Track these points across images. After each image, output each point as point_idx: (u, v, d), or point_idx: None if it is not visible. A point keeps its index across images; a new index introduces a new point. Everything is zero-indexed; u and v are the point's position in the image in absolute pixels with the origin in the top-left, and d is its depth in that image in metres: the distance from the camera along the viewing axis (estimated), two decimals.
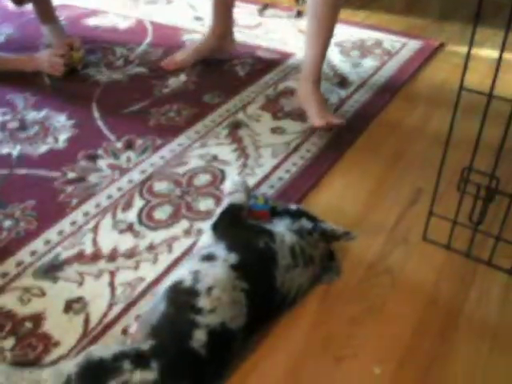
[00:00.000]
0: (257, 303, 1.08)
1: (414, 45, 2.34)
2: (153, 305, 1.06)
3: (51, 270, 1.24)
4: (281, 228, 1.22)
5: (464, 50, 2.28)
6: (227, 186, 1.36)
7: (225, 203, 1.28)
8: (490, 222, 1.31)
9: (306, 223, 1.25)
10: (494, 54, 2.10)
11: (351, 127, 1.74)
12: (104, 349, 0.99)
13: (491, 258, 1.30)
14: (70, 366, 0.96)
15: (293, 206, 1.33)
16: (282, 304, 1.15)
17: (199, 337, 0.98)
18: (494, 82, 1.13)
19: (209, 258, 1.11)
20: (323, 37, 1.72)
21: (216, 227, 1.21)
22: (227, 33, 2.08)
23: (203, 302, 1.02)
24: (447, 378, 1.08)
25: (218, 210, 1.28)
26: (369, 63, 2.17)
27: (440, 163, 1.26)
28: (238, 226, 1.22)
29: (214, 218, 1.25)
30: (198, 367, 0.98)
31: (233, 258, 1.10)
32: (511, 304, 1.23)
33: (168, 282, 1.09)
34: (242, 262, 1.10)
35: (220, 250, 1.12)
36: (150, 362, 0.94)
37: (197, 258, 1.12)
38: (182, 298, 1.03)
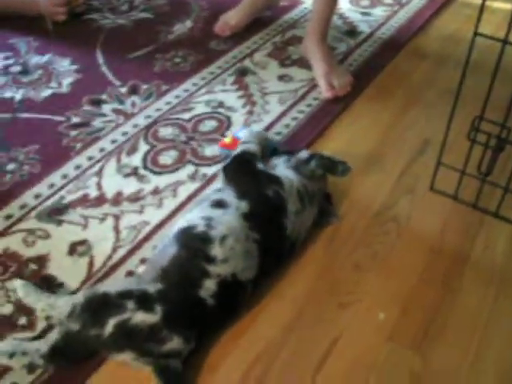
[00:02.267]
0: (268, 255, 1.07)
1: None
2: (163, 247, 1.05)
3: (55, 213, 1.24)
4: (282, 170, 1.21)
5: (476, 1, 2.23)
6: (243, 135, 1.33)
7: (238, 149, 1.25)
8: (498, 173, 1.29)
9: (303, 154, 1.25)
10: (507, 6, 2.06)
11: (359, 77, 1.70)
12: (111, 285, 1.01)
13: (498, 209, 1.29)
14: (79, 296, 0.96)
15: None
16: (291, 251, 1.15)
17: (209, 286, 0.98)
18: (508, 29, 1.10)
19: (220, 204, 1.09)
20: None
21: (227, 170, 1.19)
22: None
23: (216, 251, 1.00)
24: (451, 325, 1.08)
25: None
26: (379, 13, 2.12)
27: (450, 111, 1.23)
28: (247, 172, 1.19)
29: (227, 161, 1.23)
30: (203, 317, 0.98)
31: (244, 206, 1.09)
32: None
33: (179, 224, 1.07)
34: (254, 211, 1.09)
35: (231, 197, 1.10)
36: (154, 305, 0.94)
37: (207, 202, 1.10)
38: (194, 244, 1.02)
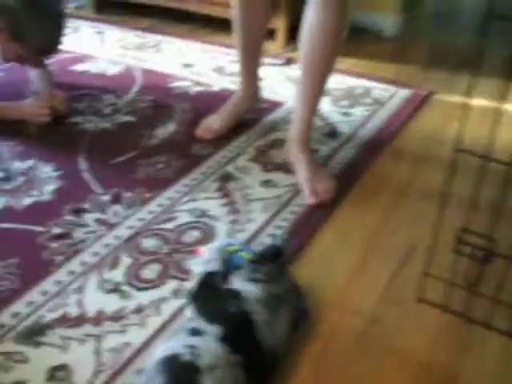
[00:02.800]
0: (253, 373, 1.04)
1: (402, 93, 2.34)
2: (146, 379, 1.00)
3: (34, 334, 1.19)
4: (239, 284, 1.18)
5: (453, 98, 2.30)
6: (205, 253, 1.32)
7: (201, 273, 1.25)
8: (486, 282, 1.28)
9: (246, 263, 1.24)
10: (482, 102, 2.11)
11: (342, 180, 1.72)
12: None
13: (489, 319, 1.27)
14: None
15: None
16: (274, 362, 1.11)
17: None
18: (490, 142, 1.12)
19: (196, 332, 1.06)
20: (314, 96, 1.71)
21: (192, 297, 1.18)
22: (257, 91, 2.03)
23: (208, 382, 0.96)
24: None
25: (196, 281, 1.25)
26: (358, 113, 2.17)
27: (436, 221, 1.23)
28: (210, 294, 1.18)
29: (192, 289, 1.21)
30: None
31: (216, 330, 1.06)
32: (510, 367, 1.20)
33: (160, 353, 1.02)
34: (227, 333, 1.06)
35: (202, 324, 1.08)
36: None
37: (183, 332, 1.07)
38: (184, 375, 0.97)
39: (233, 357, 1.02)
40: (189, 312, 1.15)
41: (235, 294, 1.14)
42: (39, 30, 1.81)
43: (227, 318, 1.09)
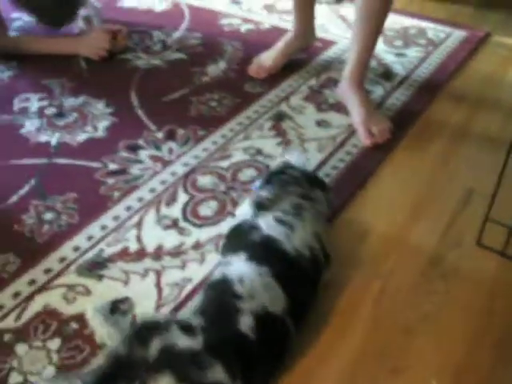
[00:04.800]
0: (289, 283, 1.05)
1: (458, 35, 2.26)
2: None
3: (96, 268, 1.21)
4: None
5: (510, 41, 2.21)
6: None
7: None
8: None
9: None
10: None
11: (397, 123, 1.67)
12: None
13: None
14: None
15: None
16: (316, 266, 1.12)
17: (246, 321, 0.96)
18: None
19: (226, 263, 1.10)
20: (370, 35, 1.65)
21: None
22: (311, 30, 1.96)
23: (239, 289, 1.00)
24: None
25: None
26: (413, 54, 2.10)
27: (503, 164, 1.20)
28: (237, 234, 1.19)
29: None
30: (246, 352, 0.95)
31: (243, 255, 1.08)
32: None
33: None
34: (253, 254, 1.08)
35: (229, 257, 1.11)
36: (197, 333, 0.93)
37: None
38: (219, 286, 1.03)
39: (259, 267, 1.05)
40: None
41: (254, 226, 1.14)
42: None
43: (248, 245, 1.11)
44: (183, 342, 0.91)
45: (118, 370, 0.91)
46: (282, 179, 1.24)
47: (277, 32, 2.13)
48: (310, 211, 1.18)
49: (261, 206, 1.18)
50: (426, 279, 1.24)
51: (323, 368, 1.06)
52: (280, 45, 1.92)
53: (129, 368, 0.91)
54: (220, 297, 1.02)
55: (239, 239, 1.14)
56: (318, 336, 1.11)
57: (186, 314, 1.05)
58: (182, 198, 1.39)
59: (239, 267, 1.05)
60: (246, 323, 0.96)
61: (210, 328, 0.95)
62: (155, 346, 0.91)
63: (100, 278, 1.19)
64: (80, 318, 1.10)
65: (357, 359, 1.08)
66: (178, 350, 0.90)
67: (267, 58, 1.91)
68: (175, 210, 1.35)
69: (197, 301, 1.05)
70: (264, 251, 1.09)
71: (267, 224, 1.13)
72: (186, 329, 0.94)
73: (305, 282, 1.10)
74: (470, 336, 1.13)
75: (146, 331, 0.94)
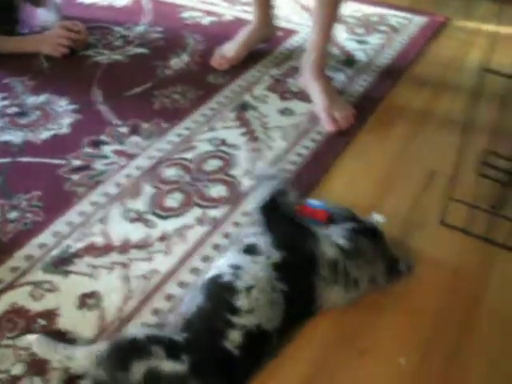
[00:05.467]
0: (294, 305, 1.05)
1: (419, 20, 2.29)
2: (191, 296, 1.05)
3: (62, 264, 1.21)
4: (332, 235, 1.14)
5: (470, 25, 2.24)
6: (259, 171, 1.34)
7: (269, 187, 1.20)
8: (509, 205, 1.28)
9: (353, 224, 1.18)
10: (498, 28, 2.07)
11: (360, 108, 1.69)
12: (138, 330, 1.01)
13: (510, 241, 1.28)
14: (102, 346, 0.94)
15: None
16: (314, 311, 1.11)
17: (234, 337, 0.96)
18: None
19: (251, 250, 1.08)
20: (327, 22, 1.67)
21: (264, 212, 1.16)
22: (272, 20, 1.97)
23: (241, 302, 0.99)
24: (471, 367, 1.06)
25: (262, 193, 1.20)
26: (375, 40, 2.12)
27: (460, 145, 1.22)
28: (287, 221, 1.16)
29: (263, 201, 1.18)
30: (230, 367, 0.95)
31: (276, 256, 1.07)
32: None
33: (209, 273, 1.08)
34: (285, 262, 1.06)
35: (266, 245, 1.09)
36: (181, 354, 0.92)
37: (239, 246, 1.10)
38: (219, 294, 1.01)
39: (278, 283, 1.03)
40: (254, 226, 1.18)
41: (313, 235, 1.12)
42: None
43: (295, 250, 1.09)
44: (168, 365, 0.90)
45: None
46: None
47: (239, 23, 2.13)
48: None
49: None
50: None
51: (293, 353, 1.07)
52: (241, 36, 1.93)
53: None
54: (215, 309, 1.00)
55: (289, 226, 1.13)
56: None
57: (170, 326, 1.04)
58: (148, 190, 1.39)
59: (256, 268, 1.04)
60: (233, 340, 0.96)
61: (194, 344, 0.95)
62: (138, 369, 0.89)
63: (67, 273, 1.19)
64: (48, 315, 1.10)
65: (326, 343, 1.09)
66: (164, 375, 0.89)
67: (229, 50, 1.91)
68: (141, 203, 1.35)
69: (190, 300, 1.04)
70: (297, 270, 1.08)
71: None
72: (171, 349, 0.92)
73: (308, 307, 1.09)
74: (435, 313, 1.15)
75: (123, 353, 0.92)
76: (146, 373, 0.89)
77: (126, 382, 0.89)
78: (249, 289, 1.01)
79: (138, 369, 0.89)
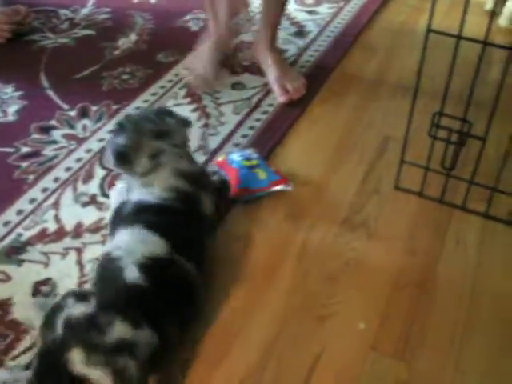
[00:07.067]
0: (165, 226, 1.06)
1: None
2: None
3: (14, 253, 1.18)
4: None
5: None
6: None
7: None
8: (461, 166, 1.28)
9: None
10: None
11: (312, 78, 1.69)
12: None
13: (465, 202, 1.29)
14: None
15: None
16: (192, 201, 1.13)
17: (130, 272, 0.96)
18: (462, 23, 1.09)
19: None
20: None
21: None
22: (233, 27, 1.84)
23: (117, 253, 1.00)
24: (431, 328, 1.07)
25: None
26: (325, 10, 2.10)
27: (410, 109, 1.22)
28: None
29: None
30: (142, 298, 0.95)
31: None
32: (488, 247, 1.22)
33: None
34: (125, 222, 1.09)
35: None
36: (90, 299, 0.91)
37: None
38: (102, 261, 1.04)
39: (131, 229, 1.05)
40: None
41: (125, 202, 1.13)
42: None
43: (122, 219, 1.10)
44: (78, 309, 0.90)
45: (46, 369, 0.89)
46: (133, 120, 1.19)
47: (188, 0, 2.10)
48: (168, 153, 1.15)
49: (122, 156, 1.14)
50: (348, 228, 1.26)
51: (250, 323, 1.07)
52: (207, 50, 1.75)
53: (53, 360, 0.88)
54: (104, 267, 1.01)
55: (117, 219, 1.12)
56: (242, 293, 1.12)
57: None
58: (99, 173, 1.37)
59: (115, 240, 1.05)
60: (131, 274, 0.96)
61: (101, 291, 0.95)
62: (59, 324, 0.88)
63: (19, 262, 1.16)
64: (1, 305, 1.08)
65: (284, 312, 1.09)
66: (75, 319, 0.88)
67: (203, 68, 1.72)
68: (93, 187, 1.33)
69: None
70: (134, 215, 1.08)
71: (134, 193, 1.12)
72: (80, 297, 0.92)
73: (183, 219, 1.10)
74: (393, 276, 1.16)
75: (52, 314, 0.91)
76: (62, 323, 0.88)
77: (54, 342, 0.88)
78: (116, 246, 1.03)
79: (59, 323, 0.89)
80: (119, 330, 0.88)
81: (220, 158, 1.38)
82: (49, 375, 0.88)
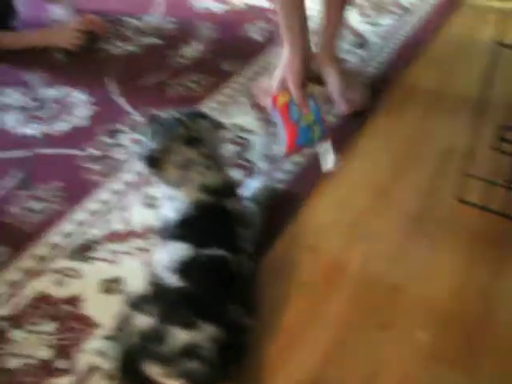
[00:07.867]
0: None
1: (430, 0, 2.27)
2: None
3: (85, 251, 1.23)
4: None
5: (485, 2, 2.22)
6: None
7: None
8: None
9: None
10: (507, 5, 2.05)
11: (375, 90, 1.70)
12: None
13: None
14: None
15: None
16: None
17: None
18: None
19: None
20: (339, 4, 1.65)
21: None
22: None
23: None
24: (491, 337, 1.07)
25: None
26: (387, 22, 2.11)
27: (474, 123, 1.22)
28: None
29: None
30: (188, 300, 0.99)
31: None
32: None
33: None
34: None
35: None
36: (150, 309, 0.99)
37: None
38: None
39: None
40: None
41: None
42: None
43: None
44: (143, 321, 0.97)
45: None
46: (166, 123, 1.20)
47: (251, 11, 2.14)
48: (197, 164, 1.16)
49: (152, 161, 1.16)
50: (411, 238, 1.27)
51: (311, 331, 1.09)
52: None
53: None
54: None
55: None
56: (303, 301, 1.14)
57: None
58: None
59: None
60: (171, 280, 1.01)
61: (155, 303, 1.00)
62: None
63: (89, 260, 1.21)
64: (72, 301, 1.13)
65: (345, 319, 1.11)
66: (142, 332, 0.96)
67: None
68: (160, 191, 1.37)
69: None
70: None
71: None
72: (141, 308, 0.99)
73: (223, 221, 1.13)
74: (454, 287, 1.16)
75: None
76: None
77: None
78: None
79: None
80: (177, 335, 0.93)
81: (282, 99, 1.40)
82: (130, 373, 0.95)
